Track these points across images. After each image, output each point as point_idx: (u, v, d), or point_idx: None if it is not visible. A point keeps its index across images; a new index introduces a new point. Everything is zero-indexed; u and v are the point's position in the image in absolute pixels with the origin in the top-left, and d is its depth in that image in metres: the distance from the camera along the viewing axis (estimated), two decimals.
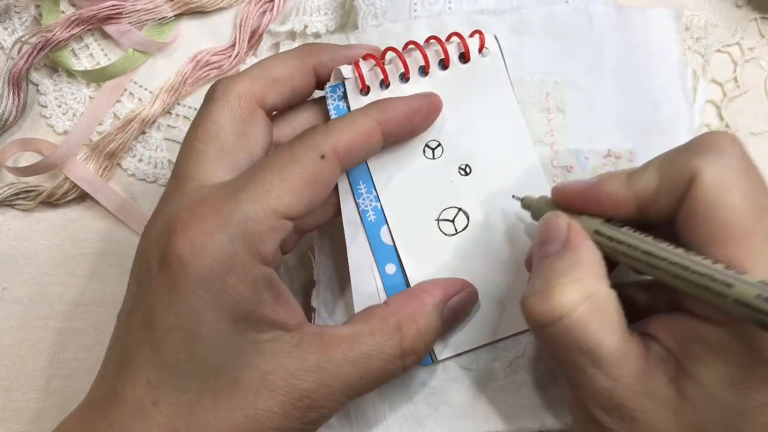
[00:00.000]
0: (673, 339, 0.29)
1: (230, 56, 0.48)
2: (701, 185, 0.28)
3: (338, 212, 0.37)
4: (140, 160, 0.47)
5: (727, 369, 0.27)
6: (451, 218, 0.38)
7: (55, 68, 0.48)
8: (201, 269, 0.29)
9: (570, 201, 0.33)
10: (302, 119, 0.38)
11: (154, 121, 0.47)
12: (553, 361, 0.31)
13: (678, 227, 0.29)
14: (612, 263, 0.31)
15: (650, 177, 0.30)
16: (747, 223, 0.27)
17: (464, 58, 0.39)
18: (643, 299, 0.34)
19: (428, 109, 0.37)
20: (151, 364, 0.30)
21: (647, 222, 0.31)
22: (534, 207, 0.35)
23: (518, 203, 0.37)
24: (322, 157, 0.32)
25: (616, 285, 0.31)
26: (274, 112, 0.37)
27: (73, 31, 0.47)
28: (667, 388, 0.28)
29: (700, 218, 0.28)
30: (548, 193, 0.38)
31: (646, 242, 0.29)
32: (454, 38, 0.38)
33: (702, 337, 0.28)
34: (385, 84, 0.38)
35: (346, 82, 0.37)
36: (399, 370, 0.34)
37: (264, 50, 0.48)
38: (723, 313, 0.27)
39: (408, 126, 0.36)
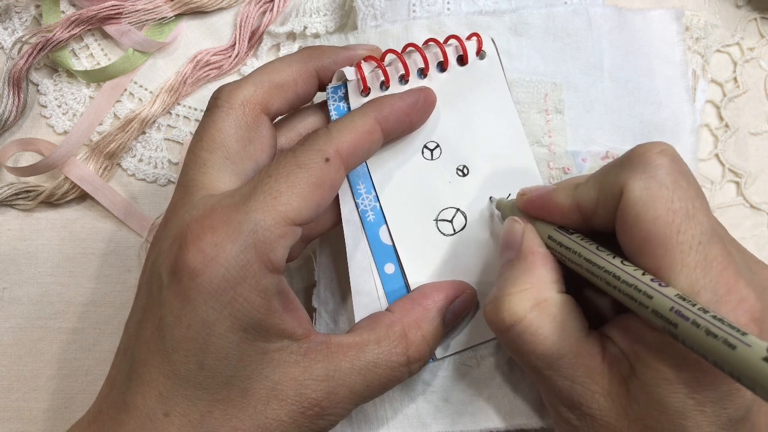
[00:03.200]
0: (625, 341, 0.30)
1: (230, 56, 0.48)
2: (628, 199, 0.29)
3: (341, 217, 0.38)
4: (140, 160, 0.47)
5: (664, 370, 0.28)
6: (450, 218, 0.38)
7: (55, 68, 0.48)
8: (213, 280, 0.30)
9: (527, 208, 0.34)
10: (306, 123, 0.38)
11: (154, 121, 0.47)
12: (517, 362, 0.33)
13: (617, 236, 0.30)
14: None
15: (590, 189, 0.31)
16: (671, 235, 0.28)
17: (462, 60, 0.39)
18: (608, 304, 0.34)
19: (424, 103, 0.37)
20: (162, 375, 0.30)
21: (597, 230, 0.32)
22: (502, 209, 0.37)
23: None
24: (327, 160, 0.32)
25: (582, 288, 0.32)
26: (278, 117, 0.37)
27: (73, 31, 0.47)
28: (620, 387, 0.29)
29: (628, 230, 0.29)
30: None
31: (588, 250, 0.31)
32: (453, 41, 0.39)
33: (645, 339, 0.29)
34: (385, 85, 0.38)
35: (349, 84, 0.37)
36: (405, 376, 0.34)
37: (264, 51, 0.48)
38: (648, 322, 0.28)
39: (406, 121, 0.36)
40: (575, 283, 0.33)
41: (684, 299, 0.26)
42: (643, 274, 0.28)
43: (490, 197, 0.38)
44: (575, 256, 0.31)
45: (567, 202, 0.32)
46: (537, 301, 0.31)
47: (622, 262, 0.29)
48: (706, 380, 0.27)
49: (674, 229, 0.28)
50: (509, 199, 0.37)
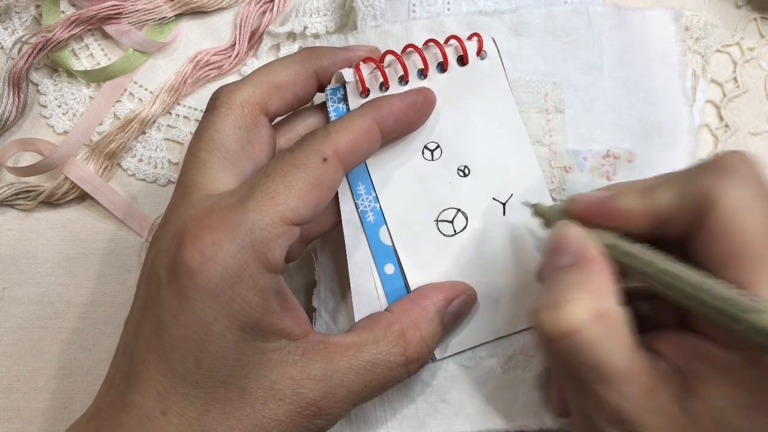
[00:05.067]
0: (680, 357, 0.29)
1: (230, 56, 0.48)
2: (722, 207, 0.28)
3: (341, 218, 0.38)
4: (140, 160, 0.47)
5: (736, 392, 0.27)
6: (450, 219, 0.38)
7: (55, 68, 0.48)
8: (210, 280, 0.30)
9: (583, 214, 0.32)
10: (305, 124, 0.38)
11: (154, 121, 0.47)
12: (558, 374, 0.31)
13: (692, 247, 0.29)
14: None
15: (667, 195, 0.30)
16: (763, 248, 0.27)
17: (462, 61, 0.39)
18: (645, 308, 0.33)
19: (423, 103, 0.37)
20: (160, 374, 0.30)
21: (657, 238, 0.31)
22: (547, 216, 0.35)
23: (519, 206, 0.37)
24: (324, 160, 0.32)
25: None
26: (277, 118, 0.38)
27: (73, 31, 0.47)
28: (673, 405, 0.28)
29: (716, 240, 0.28)
30: (547, 194, 0.38)
31: (660, 260, 0.29)
32: (453, 41, 0.39)
33: (711, 358, 0.28)
34: (384, 86, 0.38)
35: (347, 85, 0.38)
36: (403, 376, 0.34)
37: (264, 51, 0.48)
38: (736, 338, 0.27)
39: (405, 122, 0.36)
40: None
41: None
42: (728, 287, 0.27)
43: (523, 202, 0.37)
44: (644, 265, 0.29)
45: (639, 208, 0.30)
46: (598, 312, 0.28)
47: (699, 273, 0.28)
48: None
49: (766, 242, 0.27)
50: (555, 204, 0.35)
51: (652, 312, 0.33)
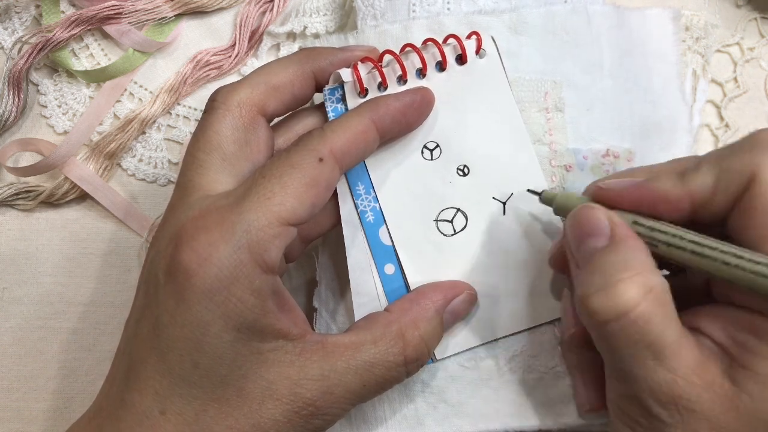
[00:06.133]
0: (722, 331, 0.29)
1: (230, 56, 0.48)
2: (763, 183, 0.28)
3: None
4: (140, 160, 0.47)
5: None
6: (450, 219, 0.38)
7: (55, 68, 0.48)
8: (206, 280, 0.30)
9: (615, 201, 0.32)
10: (303, 124, 0.38)
11: (154, 121, 0.47)
12: (606, 356, 0.31)
13: (730, 226, 0.29)
14: None
15: (705, 175, 0.30)
16: None
17: (461, 59, 0.39)
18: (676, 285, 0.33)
19: (421, 103, 0.37)
20: (158, 374, 0.31)
21: (695, 223, 0.31)
22: (558, 201, 0.35)
23: (519, 205, 0.37)
24: (321, 160, 0.32)
25: None
26: (276, 119, 0.38)
27: (73, 31, 0.47)
28: (723, 380, 0.28)
29: (759, 216, 0.28)
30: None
31: (690, 232, 0.29)
32: (451, 40, 0.38)
33: (754, 328, 0.28)
34: (383, 86, 0.38)
35: (345, 85, 0.38)
36: (402, 376, 0.34)
37: (264, 51, 0.48)
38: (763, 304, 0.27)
39: (402, 121, 0.36)
40: None
41: None
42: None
43: (528, 189, 0.37)
44: (676, 239, 0.30)
45: (676, 191, 0.30)
46: (649, 288, 0.29)
47: (730, 244, 0.28)
48: None
49: None
50: (566, 191, 0.35)
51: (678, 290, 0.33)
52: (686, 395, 0.28)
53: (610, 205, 0.32)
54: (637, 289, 0.28)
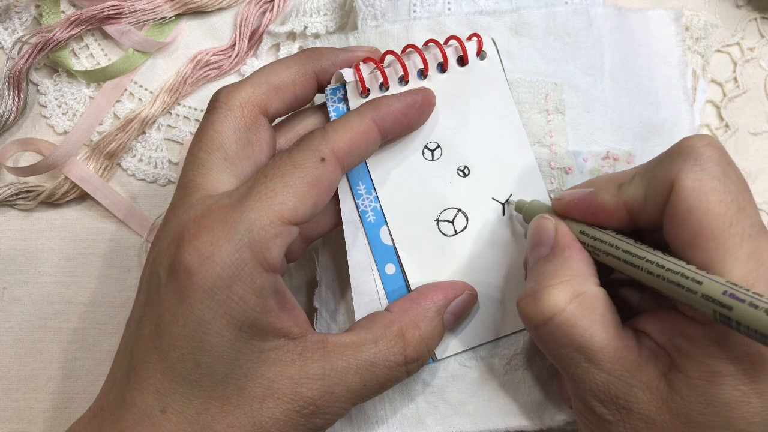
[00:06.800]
0: (663, 335, 0.30)
1: (230, 56, 0.48)
2: (679, 191, 0.29)
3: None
4: (140, 160, 0.47)
5: (710, 363, 0.28)
6: (451, 219, 0.38)
7: (55, 68, 0.48)
8: (208, 279, 0.30)
9: (568, 210, 0.34)
10: (305, 124, 0.38)
11: (154, 121, 0.47)
12: (550, 359, 0.32)
13: (664, 233, 0.30)
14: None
15: (636, 186, 0.31)
16: (723, 226, 0.28)
17: (462, 61, 0.39)
18: (637, 298, 0.35)
19: (422, 104, 0.37)
20: (160, 373, 0.31)
21: (640, 230, 0.32)
22: (525, 210, 0.37)
23: (512, 207, 0.38)
24: (322, 159, 0.32)
25: (611, 285, 0.32)
26: (277, 119, 0.38)
27: (73, 31, 0.47)
28: (659, 381, 0.29)
29: (679, 223, 0.29)
30: (545, 194, 0.38)
31: (626, 242, 0.31)
32: (453, 41, 0.39)
33: (687, 333, 0.29)
34: (384, 86, 0.38)
35: (347, 85, 0.38)
36: (403, 376, 0.34)
37: (264, 51, 0.48)
38: (692, 310, 0.28)
39: (404, 122, 0.36)
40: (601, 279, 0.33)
41: (736, 285, 0.26)
42: (687, 264, 0.28)
43: (507, 200, 0.38)
44: (612, 248, 0.31)
45: (613, 202, 0.32)
46: (576, 293, 0.30)
47: (663, 253, 0.29)
48: (754, 372, 0.28)
49: (726, 221, 0.28)
50: (532, 201, 0.37)
51: (642, 299, 0.35)
52: (622, 395, 0.30)
53: (564, 214, 0.34)
54: (563, 294, 0.30)
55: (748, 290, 0.26)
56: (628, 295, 0.35)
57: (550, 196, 0.38)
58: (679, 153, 0.30)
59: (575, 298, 0.30)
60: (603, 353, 0.30)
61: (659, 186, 0.30)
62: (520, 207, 0.37)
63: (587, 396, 0.30)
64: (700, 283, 0.27)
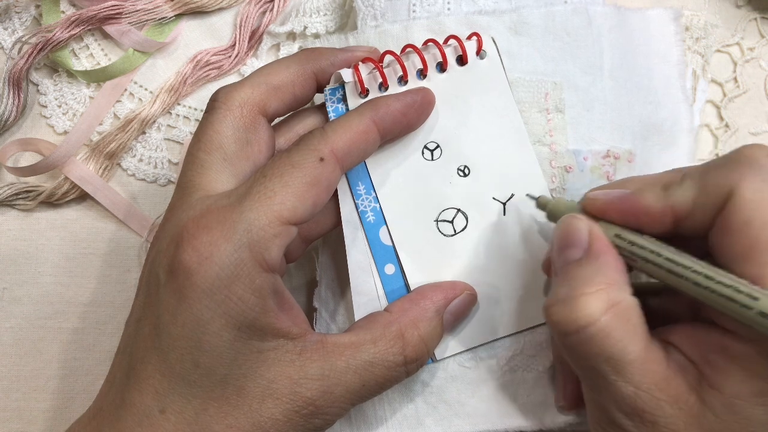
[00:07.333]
0: (694, 349, 0.29)
1: (230, 56, 0.48)
2: (738, 200, 0.28)
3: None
4: (140, 160, 0.47)
5: (752, 382, 0.28)
6: (450, 219, 0.38)
7: (55, 68, 0.48)
8: (207, 279, 0.30)
9: (604, 212, 0.32)
10: (305, 124, 0.38)
11: (154, 121, 0.47)
12: (574, 367, 0.31)
13: (711, 242, 0.29)
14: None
15: (687, 190, 0.30)
16: None
17: (462, 60, 0.39)
18: (655, 303, 0.34)
19: (421, 104, 0.37)
20: (158, 373, 0.31)
21: (678, 237, 0.31)
22: (550, 208, 0.35)
23: (520, 206, 0.37)
24: (321, 159, 0.32)
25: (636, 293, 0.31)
26: (276, 119, 0.38)
27: (73, 31, 0.47)
28: (689, 396, 0.29)
29: (734, 233, 0.28)
30: (547, 193, 0.38)
31: (669, 249, 0.29)
32: (452, 41, 0.38)
33: (726, 349, 0.28)
34: (384, 87, 0.38)
35: (346, 86, 0.38)
36: (402, 376, 0.34)
37: (264, 51, 0.48)
38: (745, 326, 0.27)
39: (403, 122, 0.36)
40: None
41: None
42: (738, 277, 0.27)
43: (527, 194, 0.37)
44: (653, 255, 0.30)
45: (659, 205, 0.30)
46: (612, 303, 0.29)
47: (708, 264, 0.28)
48: None
49: None
50: (558, 198, 0.35)
51: (663, 307, 0.34)
52: (649, 408, 0.29)
53: (598, 215, 0.32)
54: (598, 303, 0.29)
55: None
56: (651, 304, 0.33)
57: (551, 195, 0.38)
58: (738, 161, 0.29)
59: (611, 308, 0.29)
60: (633, 366, 0.29)
61: (714, 193, 0.29)
62: (544, 204, 0.35)
63: (611, 407, 0.30)
64: (756, 299, 0.26)
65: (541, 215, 0.36)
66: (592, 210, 0.32)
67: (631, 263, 0.31)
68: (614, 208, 0.32)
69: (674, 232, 0.31)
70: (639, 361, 0.29)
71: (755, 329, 0.26)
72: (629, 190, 0.31)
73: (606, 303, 0.29)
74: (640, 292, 0.31)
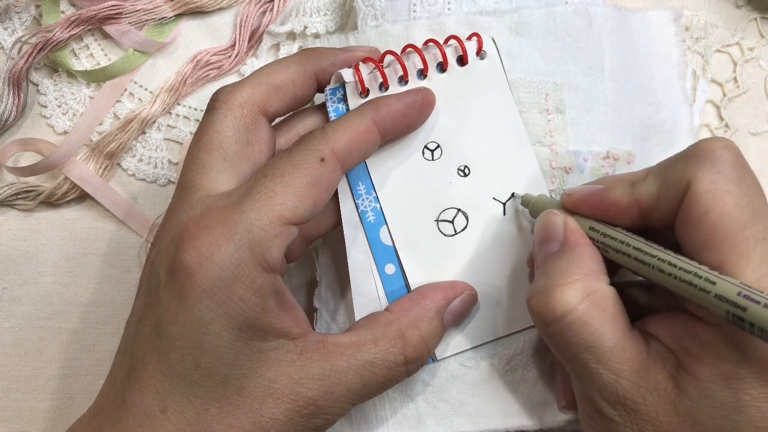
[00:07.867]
0: (671, 337, 0.30)
1: (230, 56, 0.48)
2: (695, 193, 0.29)
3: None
4: (140, 160, 0.47)
5: (720, 366, 0.28)
6: (451, 219, 0.38)
7: (55, 68, 0.48)
8: (208, 279, 0.30)
9: (577, 205, 0.34)
10: (305, 124, 0.38)
11: (154, 121, 0.47)
12: (559, 358, 0.32)
13: (676, 232, 0.30)
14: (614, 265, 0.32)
15: (650, 185, 0.31)
16: (738, 229, 0.28)
17: (462, 61, 0.39)
18: (644, 299, 0.35)
19: (422, 104, 0.37)
20: (159, 373, 0.31)
21: (650, 229, 0.32)
22: (532, 205, 0.36)
23: (520, 206, 0.38)
24: (322, 160, 0.32)
25: (618, 284, 0.32)
26: (277, 119, 0.38)
27: (73, 31, 0.47)
28: (667, 383, 0.29)
29: (693, 224, 0.29)
30: (547, 194, 0.38)
31: (637, 240, 0.31)
32: (452, 41, 0.39)
33: (697, 335, 0.29)
34: (384, 87, 0.38)
35: (347, 85, 0.38)
36: (402, 376, 0.34)
37: (264, 51, 0.48)
38: (705, 310, 0.28)
39: (404, 122, 0.36)
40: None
41: (750, 287, 0.26)
42: (700, 264, 0.28)
43: (513, 193, 0.38)
44: (623, 245, 0.31)
45: (625, 199, 0.32)
46: (588, 292, 0.30)
47: (674, 252, 0.29)
48: (764, 376, 0.28)
49: (741, 224, 0.28)
50: (540, 195, 0.37)
51: (652, 304, 0.34)
52: (630, 396, 0.29)
53: (573, 210, 0.34)
54: (574, 293, 0.30)
55: (762, 292, 0.26)
56: (634, 296, 0.35)
57: (550, 196, 0.38)
58: (695, 154, 0.30)
59: (587, 296, 0.30)
60: (612, 353, 0.30)
61: (674, 186, 0.30)
62: (527, 201, 0.37)
63: (595, 396, 0.30)
64: (713, 283, 0.27)
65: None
66: (567, 205, 0.34)
67: (605, 254, 0.32)
68: (586, 202, 0.33)
69: (645, 224, 0.32)
70: (618, 349, 0.30)
71: (714, 312, 0.27)
72: (602, 186, 0.33)
73: (582, 292, 0.30)
74: (629, 288, 0.32)
